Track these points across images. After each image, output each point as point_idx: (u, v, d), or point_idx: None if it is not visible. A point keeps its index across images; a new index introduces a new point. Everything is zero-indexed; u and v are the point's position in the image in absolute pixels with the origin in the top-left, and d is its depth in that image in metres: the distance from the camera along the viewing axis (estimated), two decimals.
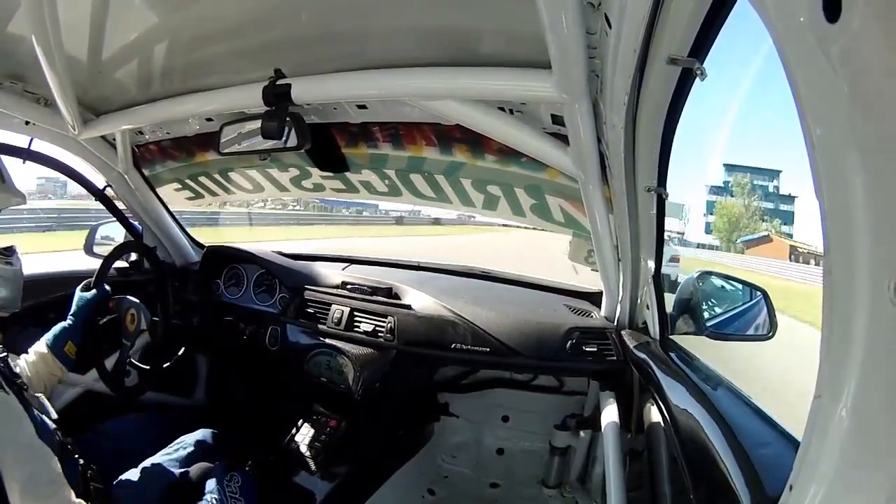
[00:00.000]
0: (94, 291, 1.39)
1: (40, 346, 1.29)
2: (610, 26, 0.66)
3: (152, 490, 1.19)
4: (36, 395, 1.11)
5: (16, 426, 0.90)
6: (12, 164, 1.27)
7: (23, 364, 1.24)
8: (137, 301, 1.52)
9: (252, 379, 2.01)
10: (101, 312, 1.42)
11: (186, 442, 1.38)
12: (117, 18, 1.07)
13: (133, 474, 1.20)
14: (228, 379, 2.12)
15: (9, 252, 1.18)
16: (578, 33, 0.72)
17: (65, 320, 1.35)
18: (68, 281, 1.46)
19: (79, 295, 1.39)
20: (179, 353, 1.70)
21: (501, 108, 1.15)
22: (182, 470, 1.28)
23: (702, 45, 0.64)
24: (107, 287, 1.43)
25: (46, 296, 1.62)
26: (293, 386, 1.80)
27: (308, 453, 1.57)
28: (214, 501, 1.17)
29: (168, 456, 1.32)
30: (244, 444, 1.57)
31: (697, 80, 0.69)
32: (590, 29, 0.74)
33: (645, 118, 0.84)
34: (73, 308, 1.37)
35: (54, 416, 1.11)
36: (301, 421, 1.70)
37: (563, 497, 1.79)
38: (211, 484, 1.22)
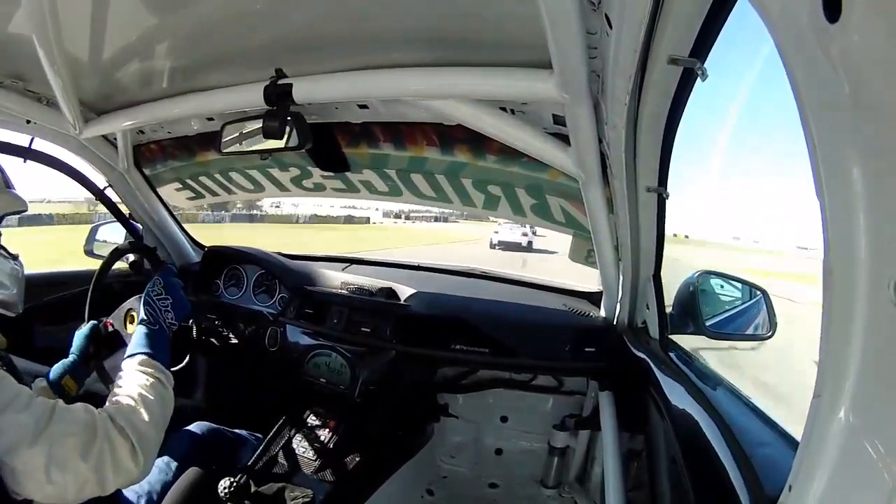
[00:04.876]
0: (88, 325, 1.36)
1: (42, 380, 1.27)
2: (610, 26, 0.66)
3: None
4: None
5: (17, 388, 0.86)
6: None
7: None
8: (133, 298, 1.50)
9: (251, 379, 2.01)
10: (101, 338, 1.37)
11: (182, 434, 1.39)
12: (119, 17, 1.07)
13: None
14: (228, 379, 2.12)
15: (13, 257, 1.18)
16: (579, 33, 0.72)
17: (67, 356, 1.32)
18: (69, 281, 1.46)
19: (76, 333, 1.35)
20: (184, 362, 1.59)
21: (503, 109, 1.15)
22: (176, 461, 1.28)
23: (703, 44, 0.64)
24: (96, 319, 1.39)
25: (49, 296, 1.62)
26: (293, 386, 1.80)
27: (307, 454, 1.57)
28: (148, 313, 1.15)
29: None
30: (240, 438, 1.57)
31: (699, 80, 0.69)
32: (590, 29, 0.74)
33: (646, 118, 0.84)
34: (73, 345, 1.33)
35: None
36: (300, 421, 1.70)
37: (561, 497, 1.78)
38: (140, 300, 1.20)
